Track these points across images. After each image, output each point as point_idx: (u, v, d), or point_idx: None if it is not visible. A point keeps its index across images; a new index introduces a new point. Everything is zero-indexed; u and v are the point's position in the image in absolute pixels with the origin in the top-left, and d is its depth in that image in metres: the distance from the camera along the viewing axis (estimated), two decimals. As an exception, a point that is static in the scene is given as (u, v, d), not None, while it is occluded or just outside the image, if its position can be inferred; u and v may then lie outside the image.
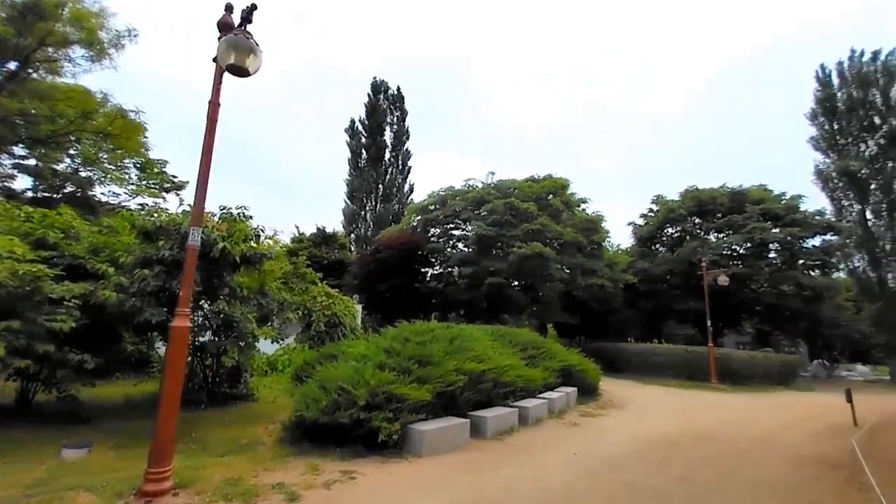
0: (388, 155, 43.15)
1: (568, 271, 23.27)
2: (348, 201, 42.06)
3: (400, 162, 43.47)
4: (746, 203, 25.52)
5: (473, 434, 6.86)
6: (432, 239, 26.63)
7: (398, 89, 44.75)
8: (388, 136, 43.61)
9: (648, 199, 32.68)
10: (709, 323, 19.80)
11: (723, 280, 19.08)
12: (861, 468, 5.95)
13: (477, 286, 22.49)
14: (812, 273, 25.86)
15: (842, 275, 29.26)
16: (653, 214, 29.17)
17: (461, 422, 6.60)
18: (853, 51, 30.44)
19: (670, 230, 28.75)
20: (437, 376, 6.73)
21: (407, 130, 44.33)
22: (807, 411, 12.42)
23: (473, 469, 5.42)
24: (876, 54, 29.81)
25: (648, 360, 20.55)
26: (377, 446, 5.68)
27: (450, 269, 26.11)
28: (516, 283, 24.04)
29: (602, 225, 24.71)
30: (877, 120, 29.14)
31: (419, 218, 26.89)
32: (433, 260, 26.95)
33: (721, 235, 26.12)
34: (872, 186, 28.78)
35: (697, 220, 27.45)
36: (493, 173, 26.09)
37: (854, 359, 40.20)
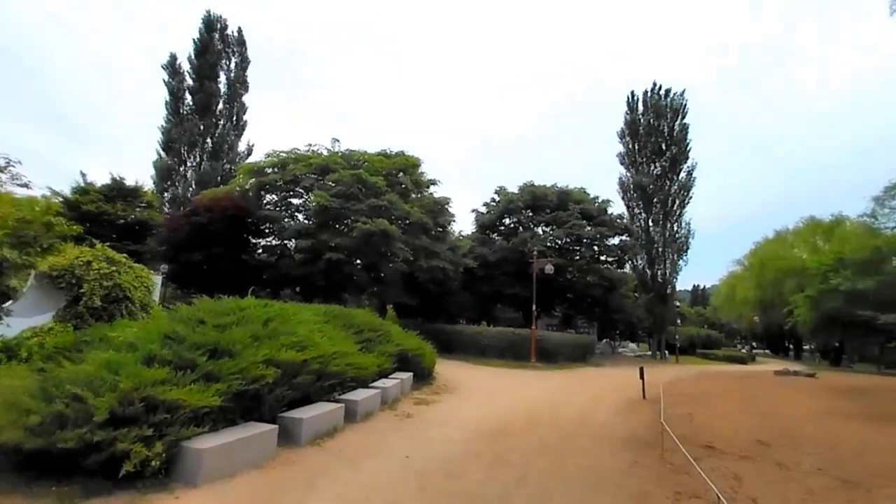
0: (220, 105, 36.81)
1: (412, 252, 22.92)
2: (163, 153, 34.73)
3: (235, 115, 37.53)
4: (570, 202, 28.66)
5: (284, 442, 5.44)
6: (267, 206, 23.42)
7: (239, 31, 38.47)
8: (222, 82, 37.20)
9: (492, 188, 34.56)
10: (534, 307, 21.53)
11: (549, 269, 20.87)
12: (665, 446, 6.40)
13: (314, 261, 20.46)
14: (611, 267, 30.54)
15: (628, 269, 35.26)
16: (495, 204, 30.78)
17: (265, 429, 5.12)
18: (654, 83, 36.68)
19: (508, 220, 30.75)
20: (236, 371, 5.08)
21: (246, 81, 38.45)
22: (607, 386, 14.11)
23: (268, 497, 4.04)
24: (668, 91, 36.37)
25: (480, 342, 21.46)
26: (129, 477, 3.86)
27: (285, 242, 23.34)
28: (358, 261, 22.70)
29: (449, 208, 24.92)
30: (663, 146, 35.73)
31: (253, 181, 23.29)
32: (266, 230, 23.75)
33: (548, 229, 28.87)
34: (655, 200, 35.34)
35: (531, 213, 29.86)
36: (338, 140, 24.01)
37: (628, 338, 49.79)
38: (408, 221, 22.52)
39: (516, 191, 30.37)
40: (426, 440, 6.25)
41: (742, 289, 52.28)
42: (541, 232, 29.12)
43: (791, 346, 56.39)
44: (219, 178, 34.37)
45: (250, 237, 23.52)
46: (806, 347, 54.33)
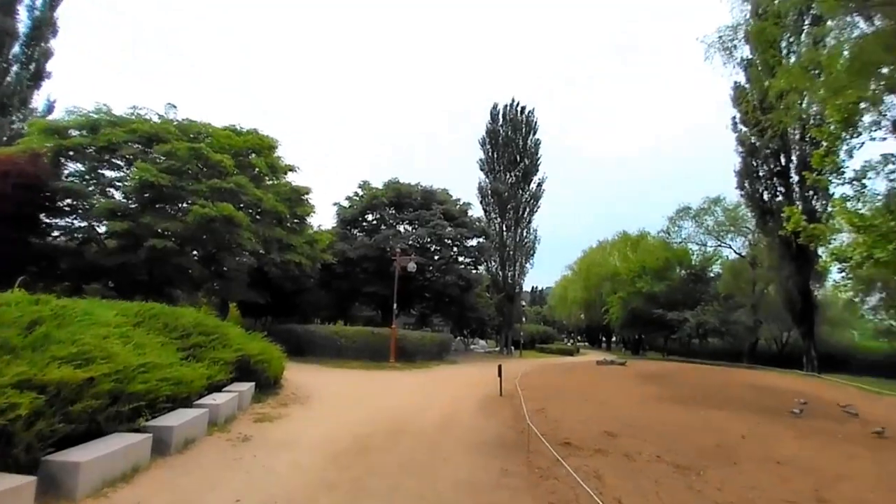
0: (15, 47, 27.96)
1: (263, 244, 20.41)
2: None
3: (35, 61, 28.96)
4: (434, 202, 28.98)
5: (51, 496, 3.76)
6: (70, 178, 18.40)
7: (46, -45, 29.79)
8: (22, 19, 28.31)
9: (355, 182, 32.97)
10: (395, 306, 21.00)
11: (412, 266, 20.56)
12: (530, 448, 6.30)
13: (134, 249, 16.66)
14: (468, 267, 31.83)
15: (483, 270, 37.33)
16: (358, 198, 29.51)
17: (13, 484, 3.43)
18: (513, 99, 39.63)
19: (371, 216, 29.77)
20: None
21: (55, 23, 29.98)
22: (465, 384, 14.23)
23: None
24: (523, 108, 39.57)
25: (336, 343, 20.10)
26: None
27: (93, 224, 18.66)
28: (195, 251, 19.34)
29: (308, 198, 22.92)
30: (518, 157, 38.75)
31: (50, 143, 17.93)
32: (67, 207, 18.62)
33: (411, 227, 28.74)
34: (509, 206, 38.12)
35: (394, 211, 29.38)
36: (174, 107, 20.17)
37: (479, 335, 52.97)
38: (260, 209, 19.99)
39: (381, 187, 29.60)
40: (266, 472, 5.06)
41: (572, 290, 60.11)
42: (403, 230, 28.86)
43: (604, 339, 66.60)
44: (5, 137, 26.09)
45: (43, 215, 18.21)
46: (614, 339, 64.63)
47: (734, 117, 30.60)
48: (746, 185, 29.95)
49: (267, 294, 22.93)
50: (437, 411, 9.31)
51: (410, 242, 27.26)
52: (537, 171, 38.57)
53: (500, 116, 39.26)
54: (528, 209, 38.21)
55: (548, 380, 16.09)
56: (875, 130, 18.10)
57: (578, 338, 71.71)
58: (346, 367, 17.38)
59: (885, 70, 13.58)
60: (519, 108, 39.04)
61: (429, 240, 28.36)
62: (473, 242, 31.97)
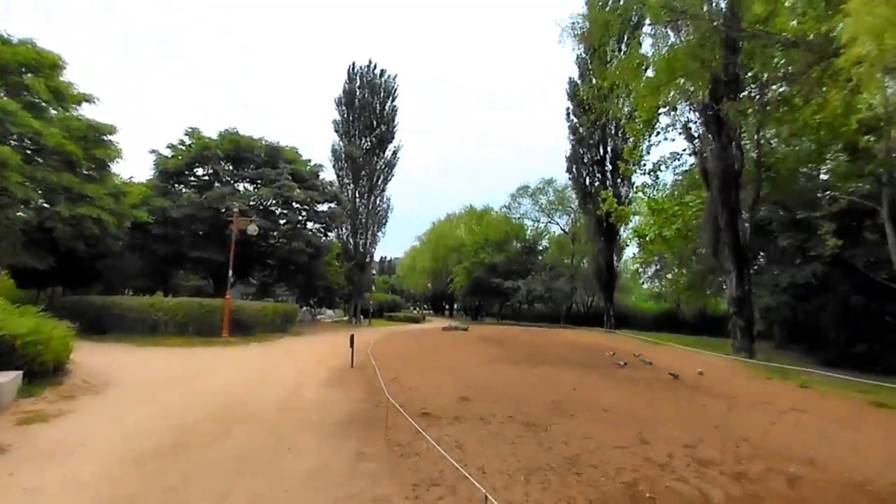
0: None
1: (43, 192, 15.72)
2: None
3: None
4: (280, 160, 26.09)
5: None
6: None
7: None
8: None
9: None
10: (230, 273, 18.44)
11: (252, 229, 18.19)
12: (388, 423, 5.88)
13: None
14: (318, 233, 29.88)
15: (333, 237, 35.64)
16: (184, 148, 24.82)
17: None
18: (370, 61, 37.79)
19: (201, 171, 25.46)
20: None
21: None
22: (312, 357, 13.18)
23: None
24: (383, 72, 38.12)
25: (151, 317, 16.81)
26: None
27: None
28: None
29: (113, 140, 18.29)
30: (375, 122, 37.42)
31: None
32: None
33: (252, 187, 25.52)
34: (363, 172, 36.81)
35: (232, 167, 25.65)
36: None
37: (327, 305, 51.11)
38: (39, 146, 15.22)
39: (215, 137, 25.40)
40: (26, 497, 3.60)
41: (420, 261, 62.09)
42: (243, 189, 25.46)
43: (447, 306, 70.87)
44: None
45: None
46: (456, 306, 69.25)
47: (568, 108, 34.31)
48: (574, 169, 34.09)
49: (51, 258, 17.92)
50: (278, 390, 8.26)
51: (252, 203, 24.20)
52: (393, 138, 37.88)
53: (358, 77, 37.20)
54: (382, 177, 37.44)
55: (399, 347, 16.05)
56: (669, 131, 22.07)
57: (425, 306, 74.94)
58: (165, 345, 14.64)
59: (681, 80, 16.45)
60: (378, 72, 37.47)
61: (274, 202, 25.59)
62: (324, 207, 30.02)
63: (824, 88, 13.90)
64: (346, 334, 12.77)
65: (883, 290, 13.82)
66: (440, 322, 39.48)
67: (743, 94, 15.33)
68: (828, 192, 16.07)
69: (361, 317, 38.50)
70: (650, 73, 19.03)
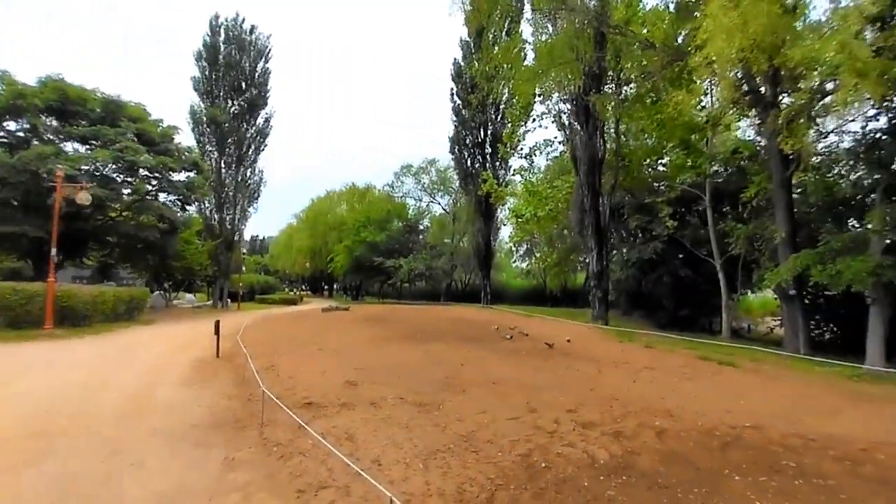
0: None
1: None
2: None
3: None
4: (122, 117, 21.76)
5: None
6: None
7: None
8: None
9: None
10: (54, 252, 14.89)
11: (84, 198, 14.83)
12: (263, 419, 5.15)
13: None
14: (173, 206, 25.94)
15: (194, 211, 31.45)
16: (-17, 93, 19.18)
17: None
18: (237, 14, 33.42)
19: (13, 125, 20.07)
20: None
21: None
22: (167, 349, 11.35)
23: None
24: (253, 28, 34.06)
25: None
26: None
27: None
28: None
29: None
30: (244, 85, 33.47)
31: None
32: None
33: (85, 147, 20.97)
34: (230, 140, 32.85)
35: (56, 122, 20.68)
36: None
37: (185, 289, 45.34)
38: None
39: (33, 84, 20.09)
40: None
41: (298, 239, 58.42)
42: (73, 150, 20.75)
43: (327, 287, 68.29)
44: None
45: None
46: (336, 286, 67.14)
47: (452, 89, 34.63)
48: (456, 150, 34.74)
49: None
50: (119, 392, 6.83)
51: (85, 168, 19.85)
52: (266, 104, 34.37)
53: (223, 31, 32.70)
54: (253, 146, 33.87)
55: (275, 332, 14.75)
56: (543, 119, 23.56)
57: (303, 287, 71.13)
58: (-47, 344, 11.31)
59: (557, 71, 17.53)
60: (247, 27, 33.38)
61: (115, 167, 21.33)
62: (182, 177, 26.02)
63: (671, 89, 16.03)
64: (210, 321, 11.22)
65: (702, 263, 16.65)
66: (320, 303, 37.76)
67: (607, 88, 16.91)
68: (664, 182, 18.75)
69: (229, 301, 34.88)
70: (530, 60, 20.10)
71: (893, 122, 8.15)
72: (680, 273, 16.89)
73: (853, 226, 11.60)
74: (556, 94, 20.23)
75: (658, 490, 3.62)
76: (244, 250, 42.71)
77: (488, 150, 34.00)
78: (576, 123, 18.00)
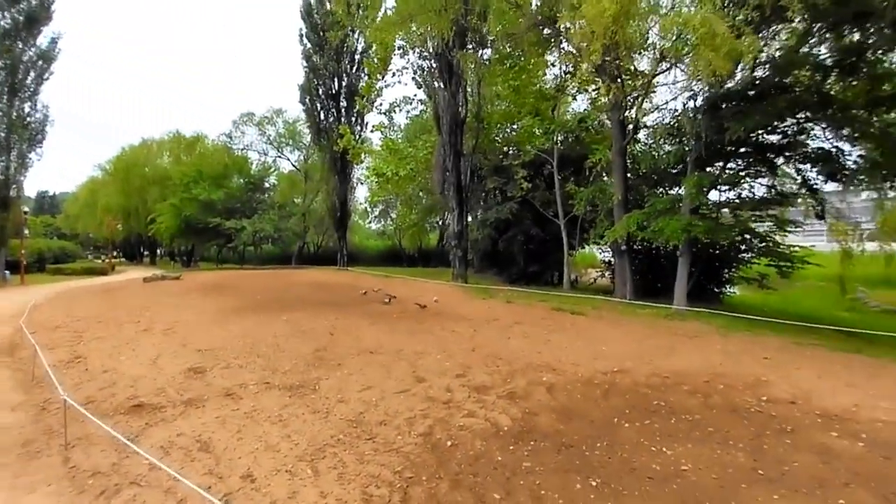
0: None
1: None
2: None
3: None
4: None
5: None
6: None
7: None
8: None
9: None
10: None
11: None
12: (68, 438, 3.69)
13: None
14: None
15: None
16: None
17: None
18: None
19: None
20: None
21: None
22: None
23: None
24: None
25: None
26: None
27: None
28: None
29: None
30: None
31: None
32: None
33: None
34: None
35: None
36: None
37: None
38: None
39: None
40: None
41: (105, 196, 47.56)
42: None
43: (147, 253, 57.97)
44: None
45: None
46: (161, 252, 57.52)
47: (301, 30, 30.91)
48: (307, 101, 31.57)
49: None
50: None
51: None
52: (50, 18, 26.05)
53: None
54: (33, 73, 25.62)
55: (77, 311, 11.58)
56: (403, 74, 22.64)
57: (115, 253, 58.97)
58: None
59: (413, 26, 16.74)
60: None
61: None
62: None
63: (530, 55, 16.63)
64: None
65: (549, 223, 18.30)
66: (139, 272, 31.73)
67: (470, 48, 16.77)
68: (517, 147, 19.86)
69: (7, 273, 26.79)
70: (391, 5, 18.74)
71: (708, 99, 9.62)
72: (531, 232, 18.28)
73: (664, 191, 13.86)
74: (418, 49, 19.49)
75: (567, 452, 3.56)
76: (26, 209, 32.95)
77: (343, 103, 31.70)
78: (439, 81, 17.61)
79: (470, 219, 22.29)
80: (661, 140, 13.27)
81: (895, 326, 13.07)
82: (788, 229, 14.74)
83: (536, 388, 4.97)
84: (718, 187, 12.39)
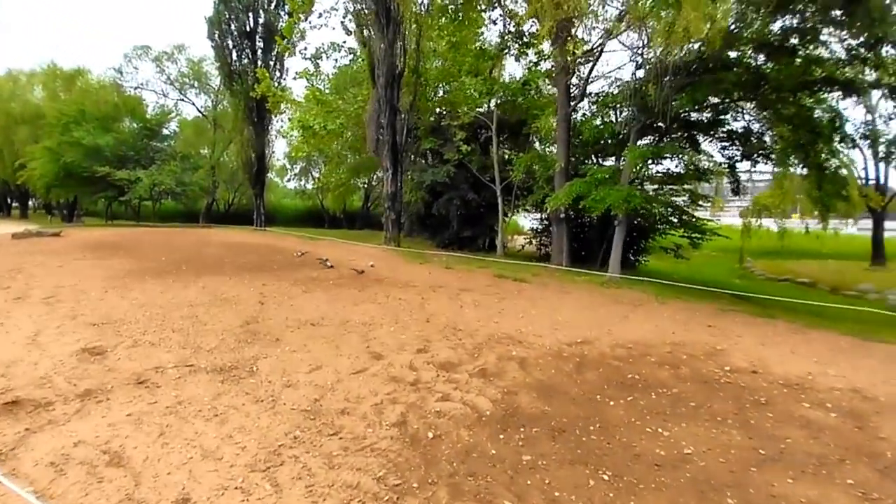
0: None
1: None
2: None
3: None
4: None
5: None
6: None
7: None
8: None
9: None
10: None
11: None
12: None
13: None
14: None
15: None
16: None
17: None
18: None
19: None
20: None
21: None
22: None
23: None
24: None
25: None
26: None
27: None
28: None
29: None
30: None
31: None
32: None
33: None
34: None
35: None
36: None
37: None
38: None
39: None
40: None
41: (-48, 132, 38.87)
42: None
43: (17, 204, 49.23)
44: None
45: None
46: (34, 204, 49.35)
47: (208, -51, 26.63)
48: (217, 37, 27.66)
49: None
50: None
51: None
52: None
53: None
54: None
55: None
56: (331, 16, 20.53)
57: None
58: None
59: None
60: None
61: None
62: None
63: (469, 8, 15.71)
64: None
65: (485, 188, 18.05)
66: (8, 226, 26.69)
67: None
68: (455, 108, 19.12)
69: None
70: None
71: (660, 67, 9.66)
72: (468, 197, 17.92)
73: (599, 162, 14.16)
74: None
75: (562, 438, 3.24)
76: None
77: (260, 43, 28.24)
78: (375, 28, 16.08)
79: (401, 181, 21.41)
80: (606, 109, 13.36)
81: (785, 292, 14.90)
82: (700, 203, 15.92)
83: (508, 364, 4.62)
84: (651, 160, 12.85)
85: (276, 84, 27.20)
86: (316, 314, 6.47)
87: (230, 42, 27.91)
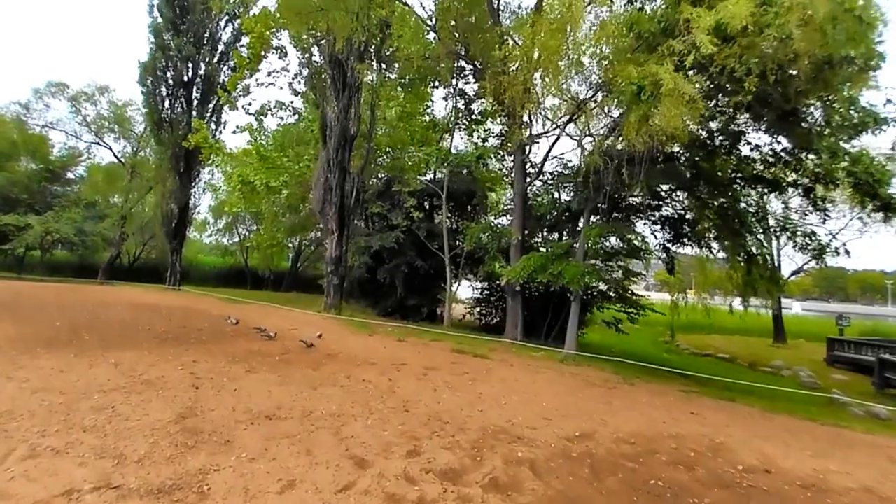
0: None
1: None
2: None
3: None
4: None
5: None
6: None
7: None
8: None
9: None
10: None
11: None
12: None
13: None
14: None
15: None
16: None
17: None
18: None
19: None
20: None
21: None
22: None
23: None
24: None
25: None
26: None
27: None
28: None
29: None
30: None
31: None
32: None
33: None
34: None
35: None
36: None
37: None
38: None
39: None
40: None
41: None
42: None
43: None
44: None
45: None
46: None
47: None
48: (150, 83, 26.20)
49: None
50: None
51: None
52: None
53: None
54: None
55: None
56: (279, 77, 20.42)
57: None
58: None
59: (306, 26, 15.16)
60: None
61: None
62: None
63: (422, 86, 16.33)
64: None
65: (433, 255, 17.81)
66: None
67: (373, 63, 15.78)
68: (405, 175, 19.25)
69: None
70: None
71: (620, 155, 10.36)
72: (416, 264, 17.48)
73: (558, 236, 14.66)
74: (304, 55, 17.77)
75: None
76: None
77: (197, 94, 27.14)
78: (331, 91, 16.04)
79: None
80: (561, 187, 14.02)
81: (714, 369, 15.72)
82: (633, 279, 16.84)
83: (519, 470, 3.98)
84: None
85: (213, 136, 25.96)
86: (269, 403, 5.40)
87: (164, 89, 26.49)
